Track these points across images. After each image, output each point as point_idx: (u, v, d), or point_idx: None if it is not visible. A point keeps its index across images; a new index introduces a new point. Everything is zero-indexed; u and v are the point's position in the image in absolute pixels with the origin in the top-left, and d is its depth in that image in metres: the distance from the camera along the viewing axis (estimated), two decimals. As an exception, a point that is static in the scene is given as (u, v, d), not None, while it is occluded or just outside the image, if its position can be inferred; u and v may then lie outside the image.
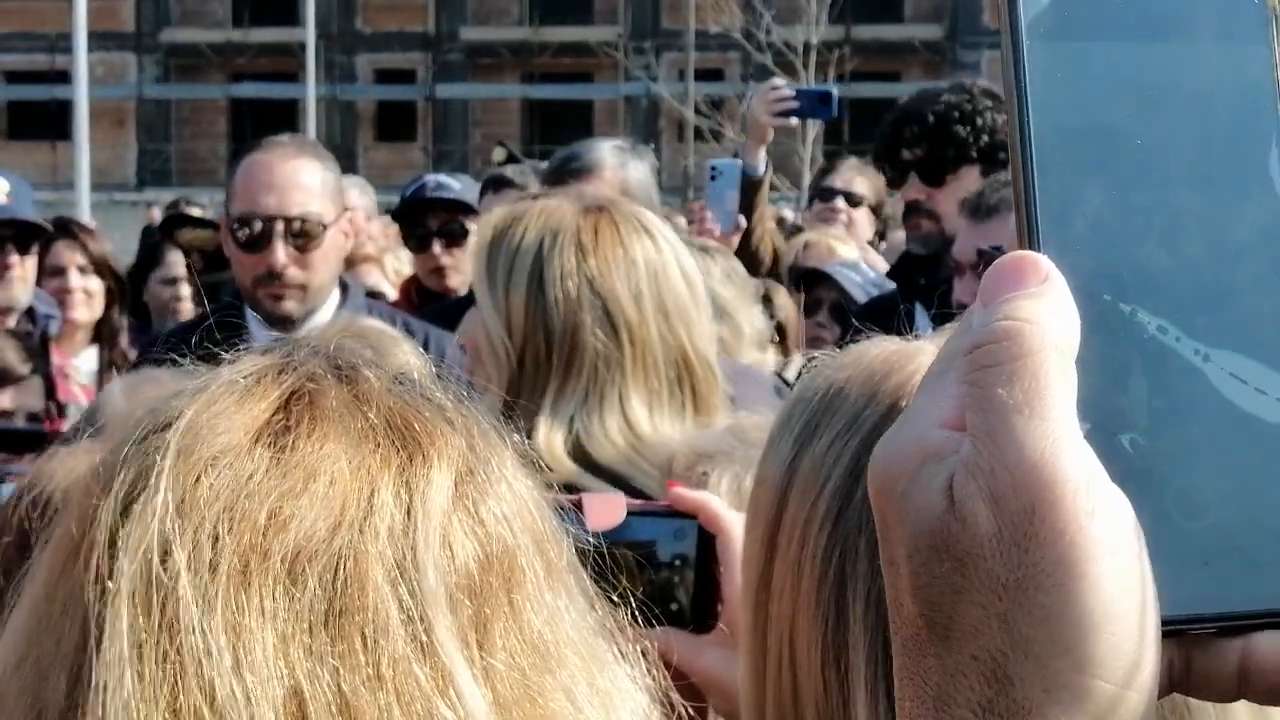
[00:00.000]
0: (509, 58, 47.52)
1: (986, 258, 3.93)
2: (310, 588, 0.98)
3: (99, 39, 34.40)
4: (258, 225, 4.11)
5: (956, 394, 0.75)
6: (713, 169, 5.61)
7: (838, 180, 7.20)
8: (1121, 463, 0.74)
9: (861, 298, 5.39)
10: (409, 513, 1.02)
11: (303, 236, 4.12)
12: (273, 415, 1.04)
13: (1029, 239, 0.75)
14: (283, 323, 4.12)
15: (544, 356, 2.58)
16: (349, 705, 0.96)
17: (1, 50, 46.80)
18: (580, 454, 2.53)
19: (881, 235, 7.31)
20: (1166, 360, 0.75)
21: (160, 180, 44.30)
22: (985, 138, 4.65)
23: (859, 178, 7.16)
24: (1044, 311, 0.74)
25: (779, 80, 6.06)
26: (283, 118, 37.07)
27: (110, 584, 0.97)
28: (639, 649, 1.13)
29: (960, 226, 4.26)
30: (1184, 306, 0.76)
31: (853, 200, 7.02)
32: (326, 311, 4.17)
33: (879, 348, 1.50)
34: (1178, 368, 0.75)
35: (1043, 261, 0.75)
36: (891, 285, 5.52)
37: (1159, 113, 0.77)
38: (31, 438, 3.93)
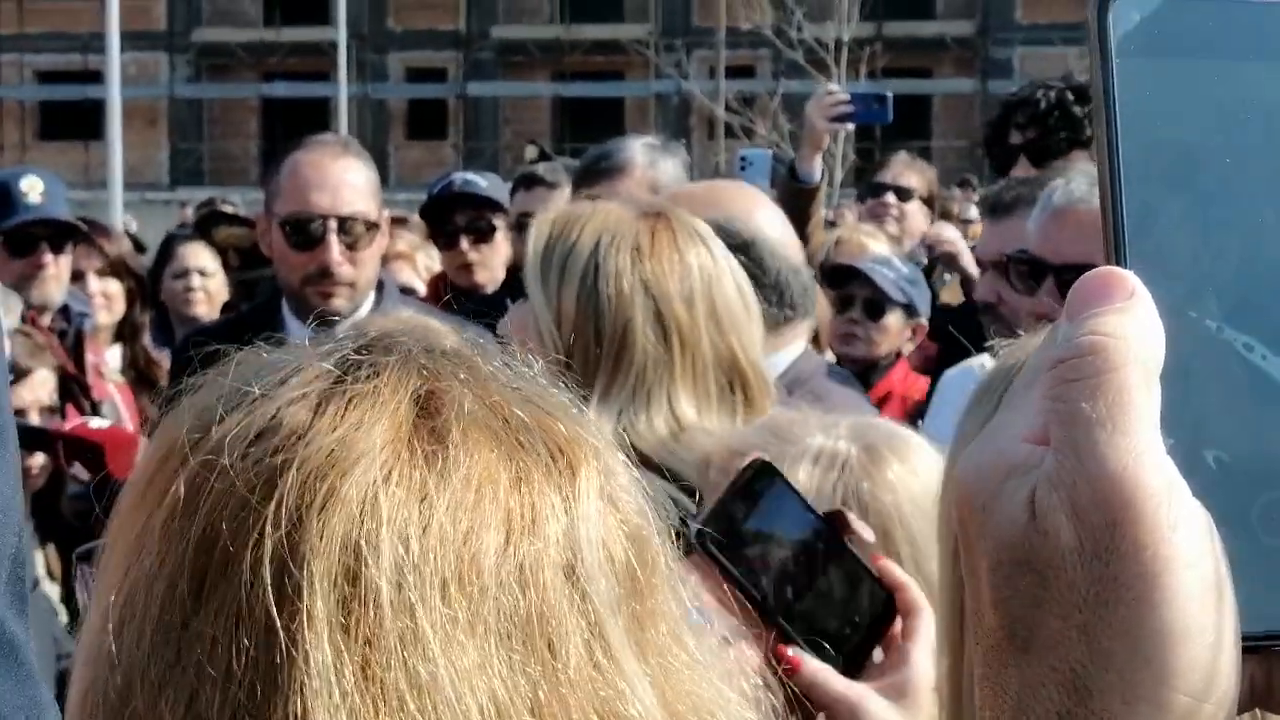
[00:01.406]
0: (540, 56, 47.54)
1: (1015, 261, 3.96)
2: (499, 598, 0.99)
3: (131, 39, 34.49)
4: (310, 224, 4.15)
5: (1040, 408, 0.75)
6: (743, 159, 5.61)
7: (887, 175, 7.20)
8: (1205, 479, 0.74)
9: (895, 293, 5.41)
10: (570, 518, 1.03)
11: (353, 235, 4.17)
12: (414, 419, 1.02)
13: (1116, 254, 0.75)
14: (328, 320, 4.13)
15: (593, 353, 2.59)
16: (543, 711, 0.98)
17: (34, 50, 47.02)
18: (626, 449, 2.53)
19: None
20: (1252, 377, 0.75)
21: (192, 180, 44.45)
22: None
23: (908, 171, 7.17)
24: (1130, 327, 0.74)
25: (833, 86, 6.06)
26: (314, 117, 37.16)
27: (298, 600, 0.96)
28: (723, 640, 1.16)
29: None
30: (1271, 324, 0.75)
31: (903, 194, 7.01)
32: (365, 309, 4.19)
33: None
34: (1264, 385, 0.75)
35: (1129, 277, 0.75)
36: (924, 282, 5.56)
37: (1248, 131, 0.76)
38: (37, 435, 3.97)
